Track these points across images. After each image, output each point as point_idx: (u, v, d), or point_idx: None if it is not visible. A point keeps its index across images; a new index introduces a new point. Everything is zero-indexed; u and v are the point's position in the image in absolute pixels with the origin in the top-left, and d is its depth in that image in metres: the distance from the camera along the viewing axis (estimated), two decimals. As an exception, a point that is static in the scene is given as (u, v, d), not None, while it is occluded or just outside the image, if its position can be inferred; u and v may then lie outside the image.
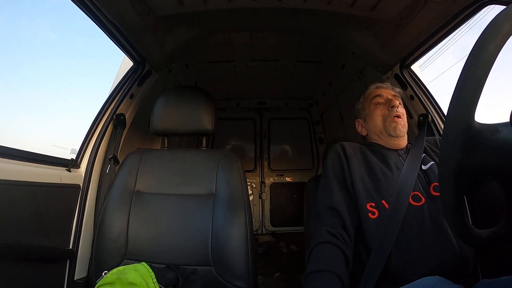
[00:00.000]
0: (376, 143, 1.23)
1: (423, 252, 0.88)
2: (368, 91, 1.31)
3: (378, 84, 1.31)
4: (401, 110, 1.19)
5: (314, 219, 1.07)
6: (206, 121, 1.41)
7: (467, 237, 0.49)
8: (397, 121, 1.16)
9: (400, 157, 1.14)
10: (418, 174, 1.04)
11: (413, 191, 1.00)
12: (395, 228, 0.91)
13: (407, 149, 1.18)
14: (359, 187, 1.05)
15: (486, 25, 0.43)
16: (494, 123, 0.47)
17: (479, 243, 0.51)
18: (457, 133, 0.43)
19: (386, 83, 1.33)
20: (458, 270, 0.85)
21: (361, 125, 1.32)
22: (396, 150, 1.17)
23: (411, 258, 0.89)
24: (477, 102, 0.42)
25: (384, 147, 1.20)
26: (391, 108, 1.18)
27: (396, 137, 1.17)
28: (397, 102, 1.20)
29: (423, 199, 0.98)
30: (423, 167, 1.08)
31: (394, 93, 1.26)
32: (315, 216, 1.07)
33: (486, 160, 0.44)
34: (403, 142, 1.19)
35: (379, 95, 1.25)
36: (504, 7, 0.44)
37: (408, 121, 1.23)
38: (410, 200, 0.97)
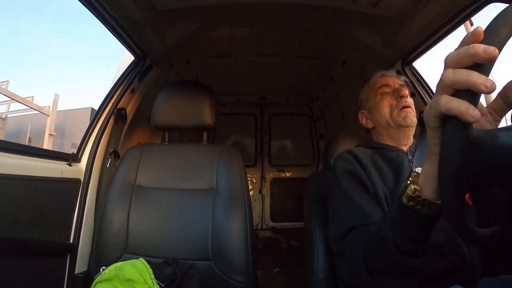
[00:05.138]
0: (384, 144, 1.12)
1: (433, 261, 0.85)
2: (373, 79, 1.20)
3: (384, 72, 1.20)
4: (410, 101, 1.09)
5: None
6: (207, 116, 1.41)
7: (469, 237, 0.50)
8: (407, 110, 1.06)
9: (411, 163, 1.02)
10: None
11: None
12: None
13: (415, 150, 1.08)
14: (382, 201, 0.91)
15: (484, 29, 0.43)
16: (492, 129, 0.47)
17: (481, 242, 0.51)
18: (455, 140, 0.43)
19: (391, 71, 1.22)
20: (466, 273, 0.84)
21: (366, 116, 1.21)
22: (407, 154, 1.06)
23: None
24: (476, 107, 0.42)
25: (394, 147, 1.09)
26: (400, 98, 1.08)
27: (407, 126, 1.06)
28: (406, 92, 1.10)
29: None
30: None
31: (401, 82, 1.15)
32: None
33: (486, 165, 0.44)
34: (412, 135, 1.11)
35: (386, 85, 1.14)
36: (507, 5, 0.44)
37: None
38: None
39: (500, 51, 0.41)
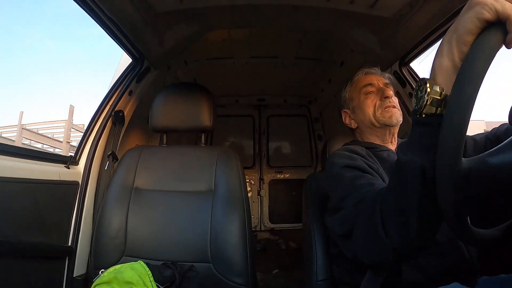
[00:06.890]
0: (375, 144, 1.09)
1: (433, 260, 0.83)
2: (357, 77, 1.17)
3: (367, 70, 1.17)
4: (395, 100, 1.07)
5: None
6: (205, 118, 1.41)
7: (471, 240, 0.51)
8: (392, 110, 1.04)
9: None
10: None
11: None
12: None
13: None
14: None
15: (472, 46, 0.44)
16: (481, 155, 0.48)
17: (481, 243, 0.52)
18: (448, 178, 0.44)
19: (375, 69, 1.19)
20: (465, 272, 0.84)
21: (349, 116, 1.18)
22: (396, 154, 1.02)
23: (420, 266, 0.82)
24: (463, 144, 0.43)
25: (384, 147, 1.07)
26: (384, 98, 1.06)
27: (391, 126, 1.05)
28: (391, 92, 1.07)
29: None
30: None
31: (386, 81, 1.12)
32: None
33: (481, 189, 0.46)
34: (396, 134, 1.09)
35: (370, 84, 1.11)
36: None
37: (407, 119, 1.12)
38: None
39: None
